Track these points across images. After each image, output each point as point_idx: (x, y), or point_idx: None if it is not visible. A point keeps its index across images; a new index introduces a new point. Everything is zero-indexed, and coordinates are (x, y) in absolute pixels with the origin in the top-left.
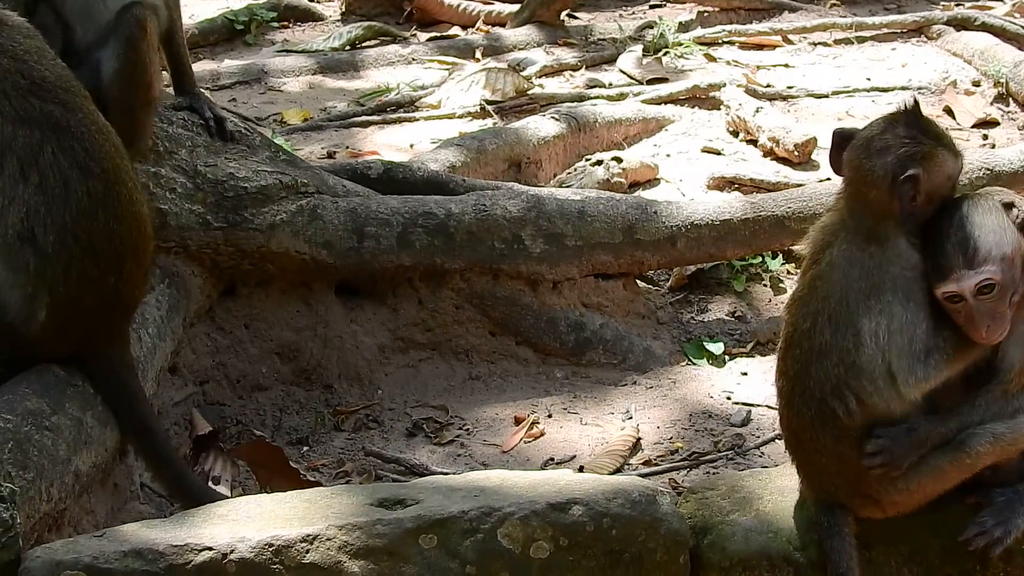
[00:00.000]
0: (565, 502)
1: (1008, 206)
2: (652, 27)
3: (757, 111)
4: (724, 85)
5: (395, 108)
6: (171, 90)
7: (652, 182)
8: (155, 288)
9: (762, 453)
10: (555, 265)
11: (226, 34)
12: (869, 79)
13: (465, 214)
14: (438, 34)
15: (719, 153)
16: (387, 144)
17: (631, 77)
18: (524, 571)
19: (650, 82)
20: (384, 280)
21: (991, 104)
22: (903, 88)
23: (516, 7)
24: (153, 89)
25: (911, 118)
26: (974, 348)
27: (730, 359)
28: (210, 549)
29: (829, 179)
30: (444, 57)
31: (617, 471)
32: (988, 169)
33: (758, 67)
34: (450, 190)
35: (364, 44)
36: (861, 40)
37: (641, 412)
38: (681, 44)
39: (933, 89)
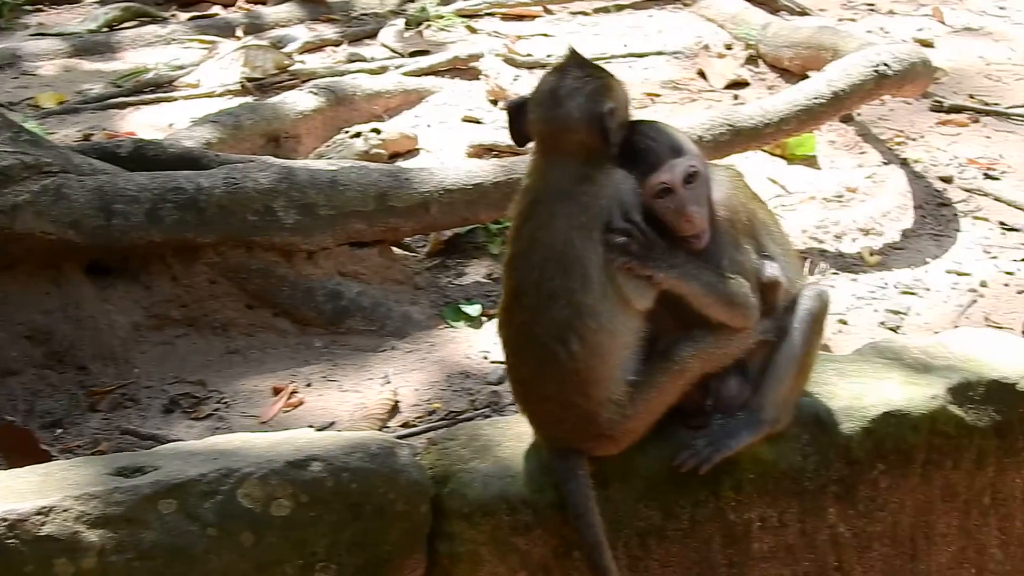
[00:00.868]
0: (304, 459)
1: None
2: (413, 1)
3: (516, 79)
4: (484, 55)
5: (153, 88)
6: None
7: (412, 152)
8: None
9: (517, 409)
10: (309, 235)
11: None
12: (626, 45)
13: (215, 188)
14: (198, 13)
15: (479, 122)
16: (146, 124)
17: (393, 50)
18: (266, 529)
19: (412, 55)
20: (136, 257)
21: (742, 66)
22: (659, 53)
23: None
24: None
25: (577, 60)
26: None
27: (487, 320)
28: None
29: None
30: (204, 36)
31: None
32: (730, 125)
33: (518, 37)
34: (203, 166)
35: (122, 25)
36: (619, 8)
37: (400, 376)
38: (442, 17)
39: (687, 53)
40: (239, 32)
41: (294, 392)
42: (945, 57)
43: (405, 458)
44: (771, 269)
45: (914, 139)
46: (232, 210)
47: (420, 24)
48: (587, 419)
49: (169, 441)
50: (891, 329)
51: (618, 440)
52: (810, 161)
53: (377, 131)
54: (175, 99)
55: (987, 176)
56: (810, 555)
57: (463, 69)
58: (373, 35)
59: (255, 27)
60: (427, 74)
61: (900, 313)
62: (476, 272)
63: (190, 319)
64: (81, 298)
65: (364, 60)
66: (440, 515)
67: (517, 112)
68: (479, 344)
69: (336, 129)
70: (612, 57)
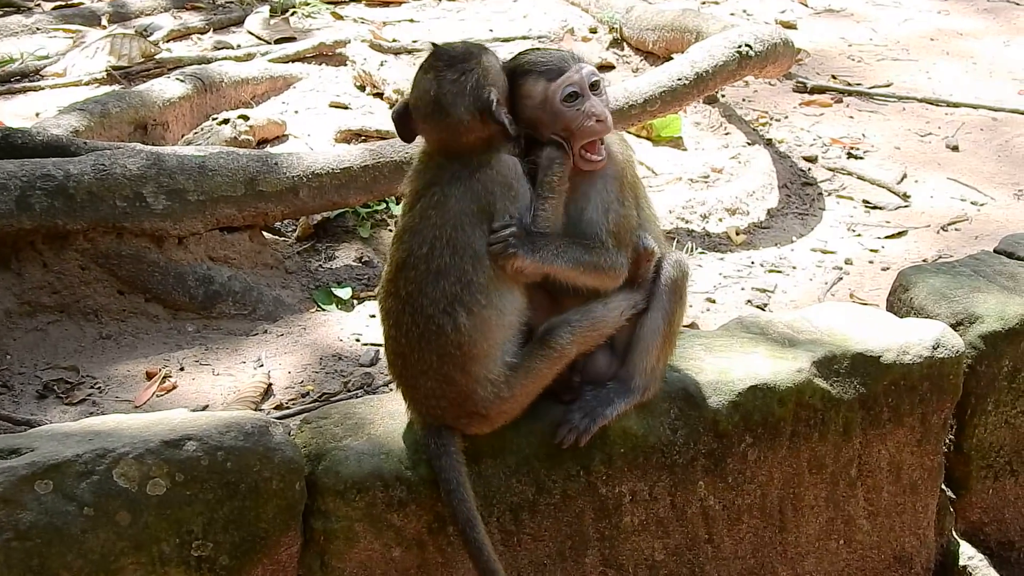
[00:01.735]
0: (179, 439)
1: None
2: None
3: (382, 65)
4: (350, 42)
5: (19, 78)
6: None
7: (280, 138)
8: None
9: (390, 389)
10: (179, 220)
11: None
12: (492, 30)
13: (84, 174)
14: (63, 3)
15: (346, 107)
16: (12, 114)
17: (259, 38)
18: (142, 509)
19: (278, 41)
20: (6, 245)
21: (607, 49)
22: (524, 37)
23: None
24: None
25: (443, 58)
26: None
27: (359, 303)
28: None
29: None
30: (69, 25)
31: None
32: None
33: (384, 23)
34: (71, 153)
35: None
36: None
37: (272, 359)
38: (308, 3)
39: (553, 37)
40: (104, 21)
41: (167, 376)
42: (807, 39)
43: (279, 437)
44: (648, 240)
45: (778, 120)
46: (102, 196)
47: (286, 11)
48: (464, 396)
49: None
50: (758, 307)
51: (492, 420)
52: (676, 142)
53: (245, 117)
54: (42, 88)
55: (850, 155)
56: (680, 528)
57: (329, 56)
58: (239, 23)
59: (120, 16)
60: (293, 61)
61: (767, 291)
62: (346, 256)
63: (62, 305)
64: None
65: (230, 48)
66: (315, 492)
67: (403, 116)
68: (351, 327)
69: (204, 116)
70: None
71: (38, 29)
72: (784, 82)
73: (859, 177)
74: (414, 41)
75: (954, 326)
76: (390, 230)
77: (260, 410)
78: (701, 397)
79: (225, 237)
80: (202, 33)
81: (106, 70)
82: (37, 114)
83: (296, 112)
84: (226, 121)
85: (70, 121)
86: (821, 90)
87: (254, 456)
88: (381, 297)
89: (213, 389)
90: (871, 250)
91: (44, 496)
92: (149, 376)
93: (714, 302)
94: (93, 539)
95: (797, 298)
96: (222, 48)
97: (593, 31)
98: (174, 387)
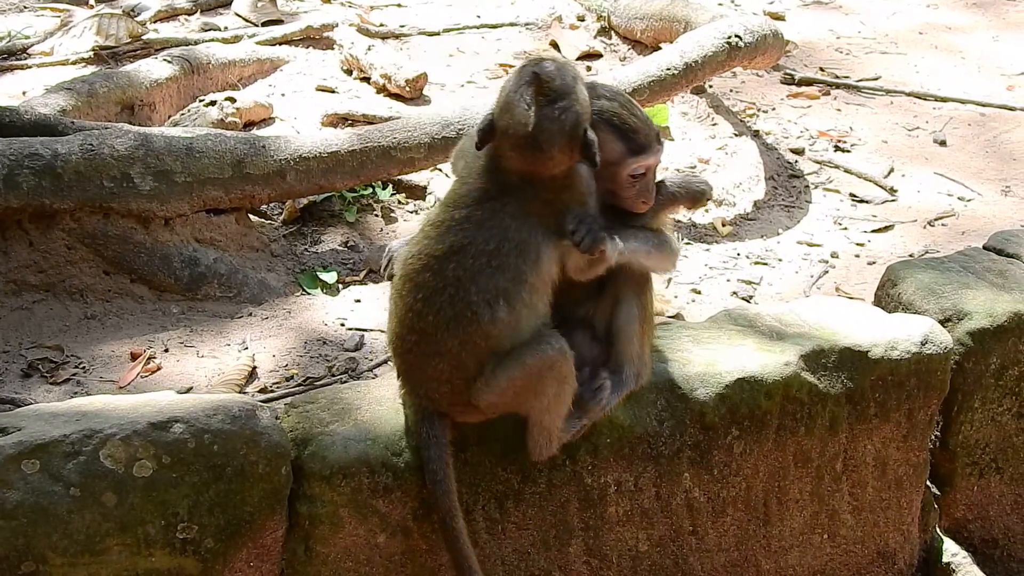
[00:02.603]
0: (166, 420)
1: None
2: None
3: (369, 49)
4: (337, 25)
5: (5, 56)
6: None
7: (267, 121)
8: None
9: (375, 375)
10: (166, 202)
11: None
12: (479, 16)
13: (72, 154)
14: None
15: (333, 91)
16: None
17: (246, 20)
18: (128, 490)
19: (265, 24)
20: None
21: (594, 37)
22: (511, 24)
23: None
24: None
25: (544, 88)
26: None
27: (344, 287)
28: None
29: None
30: (56, 4)
31: None
32: None
33: (371, 7)
34: (59, 132)
35: None
36: None
37: (257, 342)
38: None
39: (540, 24)
40: (91, 0)
41: (151, 358)
42: (795, 30)
43: (266, 420)
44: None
45: (765, 111)
46: (89, 176)
47: None
48: (467, 384)
49: (27, 404)
50: (744, 299)
51: (482, 410)
52: (663, 132)
53: (232, 100)
54: (28, 67)
55: (838, 148)
56: (665, 519)
57: (317, 39)
58: (226, 4)
59: None
60: (281, 43)
61: (752, 283)
62: (332, 240)
63: (47, 285)
64: None
65: (218, 29)
66: (300, 477)
67: (485, 136)
68: (336, 311)
69: (191, 98)
70: (465, 28)
71: (25, 7)
72: (772, 73)
73: (846, 170)
74: (402, 26)
75: (942, 322)
76: (376, 215)
77: (244, 393)
78: (688, 389)
79: (211, 219)
80: (189, 14)
81: (93, 50)
82: (24, 93)
83: (283, 95)
84: (213, 103)
85: (57, 100)
86: (809, 82)
87: (241, 440)
88: (414, 270)
89: (197, 371)
90: (857, 244)
91: (31, 476)
92: (133, 357)
93: (699, 293)
94: (79, 520)
95: (783, 290)
96: (209, 30)
97: (581, 19)
98: (158, 368)
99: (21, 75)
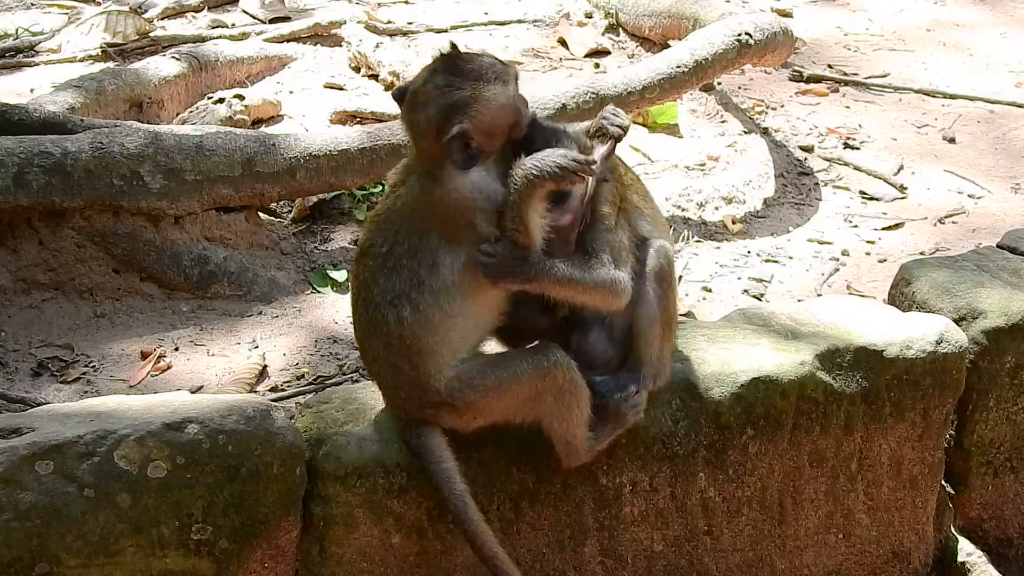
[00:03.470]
0: (180, 421)
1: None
2: None
3: (377, 47)
4: (345, 22)
5: (13, 53)
6: None
7: (276, 118)
8: None
9: None
10: (175, 200)
11: None
12: (487, 13)
13: (82, 152)
14: None
15: (341, 88)
16: (6, 90)
17: (254, 17)
18: (142, 491)
19: (273, 21)
20: (2, 221)
21: (602, 34)
22: (519, 21)
23: None
24: None
25: (448, 64)
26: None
27: None
28: None
29: None
30: (64, 1)
31: None
32: (594, 93)
33: (379, 4)
34: (68, 130)
35: None
36: None
37: (267, 341)
38: None
39: (548, 21)
40: None
41: (162, 356)
42: (803, 27)
43: (281, 421)
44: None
45: (774, 108)
46: (99, 175)
47: None
48: (419, 388)
49: (38, 404)
50: (755, 297)
51: (466, 413)
52: (672, 130)
53: (240, 97)
54: (36, 64)
55: (847, 146)
56: (680, 519)
57: (325, 36)
58: (234, 1)
59: None
60: (289, 40)
61: (763, 281)
62: (342, 238)
63: (57, 283)
64: None
65: (226, 26)
66: (315, 478)
67: (399, 99)
68: (346, 309)
69: (199, 95)
70: (473, 25)
71: (33, 4)
72: (780, 71)
73: (856, 168)
74: (409, 23)
75: (957, 321)
76: None
77: (255, 392)
78: (703, 389)
79: (221, 217)
80: (197, 11)
81: (101, 47)
82: (32, 90)
83: (291, 92)
84: (221, 100)
85: (66, 98)
86: (817, 79)
87: (255, 440)
88: (351, 277)
89: (208, 370)
90: (868, 241)
91: (45, 477)
92: (144, 356)
93: (711, 291)
94: (93, 521)
95: (794, 289)
96: (217, 27)
97: (588, 16)
98: (168, 367)
99: (29, 72)
